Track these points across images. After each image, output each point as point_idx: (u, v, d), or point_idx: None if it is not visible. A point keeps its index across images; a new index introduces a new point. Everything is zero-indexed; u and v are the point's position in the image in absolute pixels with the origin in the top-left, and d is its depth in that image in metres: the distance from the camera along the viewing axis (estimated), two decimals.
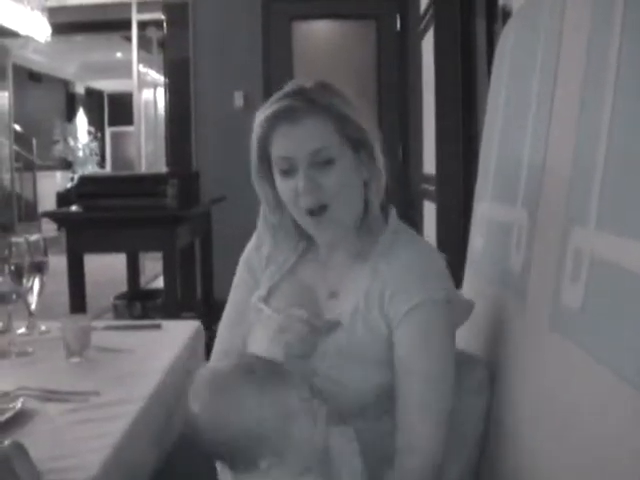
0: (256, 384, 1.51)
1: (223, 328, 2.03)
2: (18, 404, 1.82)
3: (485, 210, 2.22)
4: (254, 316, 1.90)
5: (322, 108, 1.74)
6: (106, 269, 7.18)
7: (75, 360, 2.24)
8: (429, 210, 5.48)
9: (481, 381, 1.82)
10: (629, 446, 1.11)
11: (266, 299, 1.91)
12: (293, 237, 1.91)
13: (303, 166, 1.74)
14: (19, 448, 1.47)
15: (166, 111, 7.61)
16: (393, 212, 1.88)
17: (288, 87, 1.80)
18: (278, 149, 1.77)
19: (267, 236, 1.93)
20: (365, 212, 1.84)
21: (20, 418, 1.78)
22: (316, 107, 1.74)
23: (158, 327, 2.66)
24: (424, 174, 5.76)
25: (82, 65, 16.82)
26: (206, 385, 1.55)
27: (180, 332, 2.59)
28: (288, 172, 1.76)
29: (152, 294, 5.60)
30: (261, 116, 1.78)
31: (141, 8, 9.26)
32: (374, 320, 1.72)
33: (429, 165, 5.45)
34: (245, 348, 1.88)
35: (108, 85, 18.89)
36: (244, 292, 1.99)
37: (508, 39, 2.21)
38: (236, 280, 2.03)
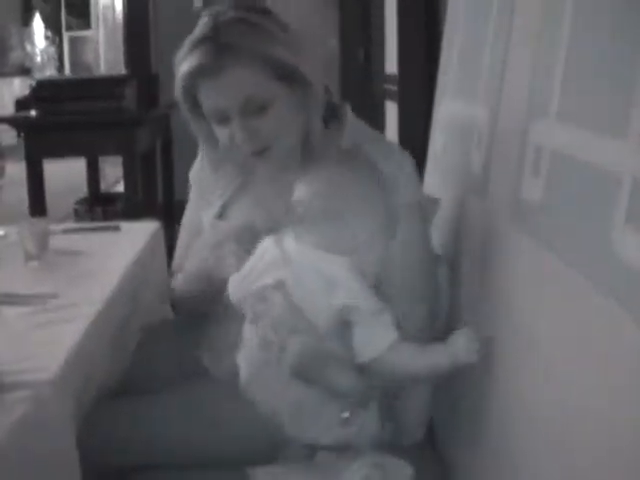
0: None
1: (180, 243, 2.06)
2: None
3: (446, 108, 2.21)
4: (210, 234, 1.89)
5: (244, 53, 1.66)
6: (66, 176, 7.11)
7: (33, 263, 2.22)
8: (391, 111, 5.45)
9: (442, 278, 1.82)
10: (587, 341, 1.11)
11: (221, 215, 1.90)
12: (235, 168, 1.87)
13: (236, 116, 1.68)
14: None
15: (124, 14, 7.47)
16: (351, 115, 1.84)
17: (205, 23, 1.71)
18: (207, 103, 1.72)
19: (210, 168, 1.91)
20: (305, 141, 1.79)
21: None
22: (238, 54, 1.65)
23: (117, 229, 2.63)
24: (386, 74, 5.70)
25: None
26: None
27: (139, 233, 2.57)
28: (222, 121, 1.71)
29: (113, 198, 5.57)
30: (182, 70, 1.71)
31: None
32: None
33: (391, 64, 5.40)
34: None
35: None
36: (194, 209, 2.01)
37: None
38: (191, 189, 2.01)
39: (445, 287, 1.82)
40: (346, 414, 1.63)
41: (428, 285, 1.74)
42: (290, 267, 1.60)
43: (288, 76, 1.70)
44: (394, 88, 5.16)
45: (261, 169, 1.83)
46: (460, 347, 1.51)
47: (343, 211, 1.57)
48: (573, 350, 1.16)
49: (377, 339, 1.55)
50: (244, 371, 1.69)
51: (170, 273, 2.08)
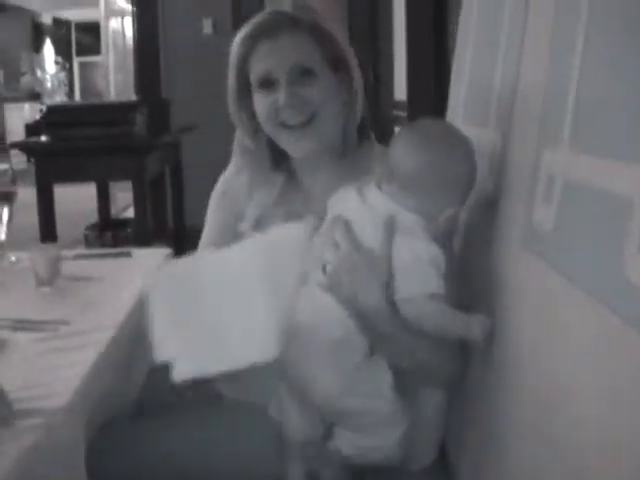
0: None
1: (203, 248, 2.03)
2: None
3: None
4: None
5: (303, 24, 1.76)
6: (77, 201, 7.14)
7: (45, 289, 2.22)
8: None
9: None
10: (600, 367, 1.11)
11: (255, 229, 1.90)
12: (270, 164, 1.90)
13: (284, 81, 1.75)
14: None
15: (134, 39, 7.50)
16: (372, 137, 1.90)
17: (267, 9, 1.82)
18: (258, 65, 1.78)
19: (244, 162, 1.93)
20: (343, 135, 1.84)
21: None
22: (297, 23, 1.76)
23: (128, 255, 2.64)
24: (395, 100, 5.72)
25: None
26: None
27: (150, 260, 2.57)
28: (268, 87, 1.77)
29: (123, 224, 5.57)
30: (241, 34, 1.79)
31: None
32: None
33: (400, 91, 5.41)
34: None
35: (75, 15, 18.62)
36: (223, 216, 2.00)
37: None
38: (212, 208, 2.02)
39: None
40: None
41: None
42: (368, 213, 1.64)
43: (336, 59, 1.81)
44: (403, 114, 5.18)
45: (296, 149, 1.85)
46: (475, 323, 1.57)
47: (426, 183, 1.62)
48: (587, 375, 1.16)
49: (424, 283, 1.59)
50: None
51: None
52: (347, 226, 1.62)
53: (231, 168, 2.02)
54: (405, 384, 1.70)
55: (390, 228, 1.59)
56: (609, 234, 1.11)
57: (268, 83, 1.77)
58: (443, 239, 1.65)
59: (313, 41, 1.77)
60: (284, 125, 1.79)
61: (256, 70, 1.79)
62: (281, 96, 1.75)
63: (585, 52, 1.28)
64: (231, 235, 1.93)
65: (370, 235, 1.62)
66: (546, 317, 1.35)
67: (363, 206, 1.65)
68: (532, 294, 1.42)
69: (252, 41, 1.78)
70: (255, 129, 1.86)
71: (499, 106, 1.78)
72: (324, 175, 1.88)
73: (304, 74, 1.75)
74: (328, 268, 1.64)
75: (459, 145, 1.68)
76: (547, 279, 1.33)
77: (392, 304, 1.59)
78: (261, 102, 1.79)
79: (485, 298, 1.69)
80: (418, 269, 1.59)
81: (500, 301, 1.60)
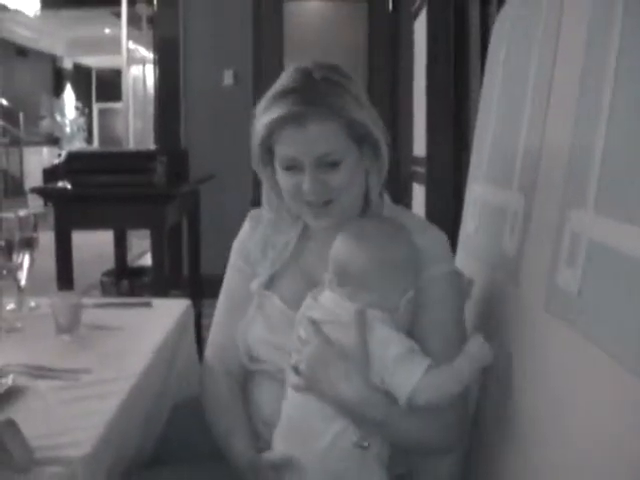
0: None
1: (219, 317, 2.02)
2: (9, 381, 1.81)
3: (479, 193, 2.22)
4: (256, 303, 1.91)
5: (330, 112, 1.72)
6: (93, 246, 7.16)
7: (65, 337, 2.23)
8: (418, 193, 5.48)
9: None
10: (625, 432, 1.11)
11: (268, 286, 1.91)
12: (294, 215, 1.91)
13: (309, 168, 1.74)
14: (11, 425, 1.47)
15: (155, 88, 7.55)
16: (386, 197, 1.90)
17: (293, 77, 1.76)
18: (284, 150, 1.76)
19: (269, 208, 1.95)
20: (365, 200, 1.86)
21: (11, 395, 1.76)
22: (324, 110, 1.71)
23: (148, 305, 2.65)
24: (414, 156, 5.75)
25: (70, 41, 16.76)
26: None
27: (170, 310, 2.58)
28: (293, 169, 1.76)
29: (139, 271, 5.58)
30: (266, 118, 1.75)
31: None
32: None
33: (419, 147, 5.44)
34: (242, 335, 1.89)
35: (96, 61, 18.82)
36: (239, 280, 1.99)
37: (506, 21, 2.21)
38: (229, 268, 2.02)
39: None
40: (363, 442, 1.63)
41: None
42: (324, 312, 1.68)
43: (362, 137, 1.78)
44: (421, 170, 5.20)
45: (315, 224, 1.86)
46: (474, 351, 1.59)
47: (378, 276, 1.64)
48: (609, 441, 1.16)
49: (410, 374, 1.58)
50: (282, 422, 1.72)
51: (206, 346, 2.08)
52: (314, 324, 1.65)
53: (246, 227, 2.02)
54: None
55: (361, 319, 1.61)
56: (633, 297, 1.12)
57: (293, 167, 1.76)
58: (406, 325, 1.68)
59: (340, 129, 1.74)
60: (306, 203, 1.81)
61: (281, 153, 1.77)
62: (306, 180, 1.75)
63: (611, 117, 1.30)
64: (245, 297, 1.94)
65: (339, 333, 1.64)
66: (567, 380, 1.35)
67: (324, 310, 1.68)
68: (557, 359, 1.42)
69: (277, 126, 1.74)
70: (280, 188, 1.87)
71: (523, 168, 1.79)
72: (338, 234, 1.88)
73: (329, 162, 1.74)
74: (301, 367, 1.66)
75: (394, 233, 1.71)
76: (571, 342, 1.34)
77: (375, 390, 1.61)
78: (286, 180, 1.79)
79: (504, 360, 1.69)
80: (399, 363, 1.59)
81: (522, 364, 1.60)
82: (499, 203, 1.93)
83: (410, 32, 6.05)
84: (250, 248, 1.98)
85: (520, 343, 1.63)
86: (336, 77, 1.77)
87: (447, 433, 1.69)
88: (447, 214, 4.01)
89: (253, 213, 2.02)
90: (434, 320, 1.73)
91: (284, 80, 1.77)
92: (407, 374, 1.58)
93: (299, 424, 1.68)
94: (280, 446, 1.70)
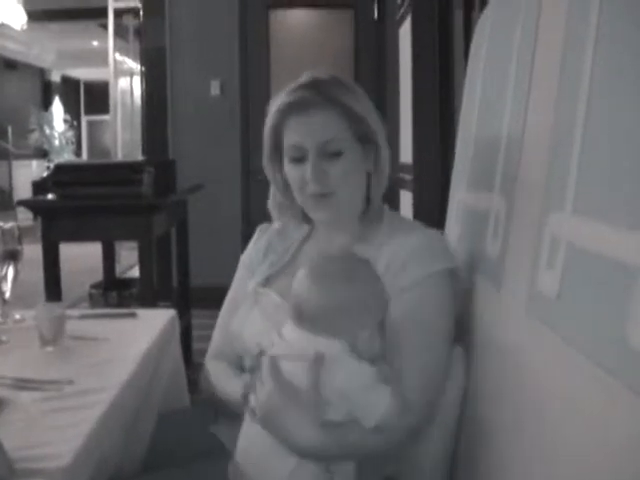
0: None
1: (219, 320, 2.10)
2: None
3: (461, 198, 2.22)
4: (252, 300, 1.96)
5: (335, 103, 1.82)
6: (82, 258, 7.15)
7: (49, 349, 2.22)
8: (405, 199, 5.48)
9: (457, 367, 1.82)
10: (603, 434, 1.11)
11: (264, 284, 1.98)
12: (299, 216, 2.00)
13: (312, 155, 1.82)
14: None
15: (142, 99, 7.55)
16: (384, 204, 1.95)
17: (303, 78, 1.87)
18: (290, 137, 1.86)
19: (274, 213, 2.04)
20: (367, 202, 1.95)
21: None
22: (329, 101, 1.81)
23: (133, 315, 2.65)
24: (400, 163, 5.75)
25: (58, 53, 16.77)
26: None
27: (155, 320, 2.58)
28: (298, 160, 1.85)
29: (128, 283, 5.57)
30: (275, 106, 1.87)
31: None
32: None
33: (405, 154, 5.44)
34: (240, 332, 1.93)
35: (84, 73, 18.84)
36: (239, 286, 2.08)
37: (485, 25, 2.21)
38: (235, 279, 2.13)
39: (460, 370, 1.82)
40: (326, 472, 1.64)
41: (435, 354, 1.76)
42: (286, 346, 1.67)
43: (364, 136, 1.87)
44: (408, 177, 5.21)
45: (318, 216, 1.93)
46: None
47: (330, 317, 1.64)
48: (590, 443, 1.15)
49: (376, 405, 1.59)
50: (241, 444, 1.73)
51: (208, 354, 2.09)
52: (274, 363, 1.64)
53: (253, 239, 2.13)
54: None
55: (317, 365, 1.60)
56: (611, 300, 1.12)
57: (298, 157, 1.84)
58: (370, 350, 1.67)
59: (343, 120, 1.83)
60: (310, 196, 1.86)
61: (288, 142, 1.86)
62: (308, 170, 1.82)
63: (588, 118, 1.30)
64: (243, 299, 2.00)
65: (300, 369, 1.63)
66: (547, 382, 1.35)
67: (286, 344, 1.67)
68: (538, 362, 1.42)
69: (284, 114, 1.85)
70: (286, 186, 1.95)
71: (504, 170, 1.80)
72: (340, 238, 1.93)
73: (331, 150, 1.82)
74: (257, 410, 1.66)
75: (356, 273, 1.71)
76: (551, 345, 1.33)
77: (330, 432, 1.60)
78: (292, 173, 1.88)
79: (486, 362, 1.69)
80: (364, 393, 1.60)
81: (504, 367, 1.60)
82: (481, 207, 1.93)
83: (395, 39, 6.05)
84: (252, 255, 2.07)
85: (501, 346, 1.63)
86: (343, 80, 1.89)
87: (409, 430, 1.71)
88: (433, 220, 4.01)
89: (262, 226, 2.14)
90: (412, 322, 1.74)
91: (294, 82, 1.88)
92: (375, 401, 1.59)
93: (255, 459, 1.69)
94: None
